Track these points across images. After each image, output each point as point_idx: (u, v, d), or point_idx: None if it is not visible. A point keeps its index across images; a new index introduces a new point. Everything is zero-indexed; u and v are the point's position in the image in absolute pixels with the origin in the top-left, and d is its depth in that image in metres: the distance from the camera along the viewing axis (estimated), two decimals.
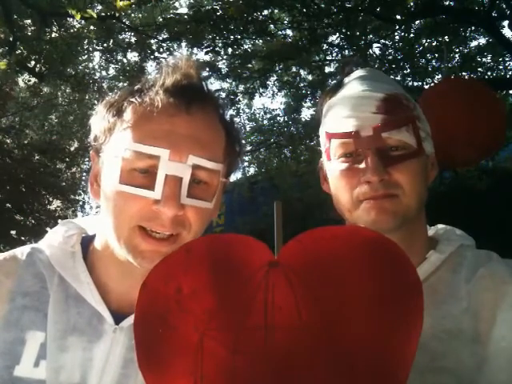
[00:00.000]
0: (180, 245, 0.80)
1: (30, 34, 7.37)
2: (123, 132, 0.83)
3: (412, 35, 8.05)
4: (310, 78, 9.35)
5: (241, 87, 9.51)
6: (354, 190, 0.94)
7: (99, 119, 0.89)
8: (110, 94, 0.91)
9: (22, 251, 0.91)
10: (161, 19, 7.72)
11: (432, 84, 8.10)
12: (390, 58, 8.03)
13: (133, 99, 0.85)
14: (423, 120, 1.00)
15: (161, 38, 7.51)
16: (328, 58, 8.72)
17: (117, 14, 5.91)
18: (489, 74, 8.52)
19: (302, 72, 9.34)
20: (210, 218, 0.90)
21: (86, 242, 0.94)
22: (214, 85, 8.92)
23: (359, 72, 1.06)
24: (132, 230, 0.80)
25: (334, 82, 1.11)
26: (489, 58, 8.58)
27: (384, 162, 0.92)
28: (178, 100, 0.83)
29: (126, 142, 0.81)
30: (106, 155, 0.86)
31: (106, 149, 0.86)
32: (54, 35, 7.93)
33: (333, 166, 0.99)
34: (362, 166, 0.93)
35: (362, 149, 0.93)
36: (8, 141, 9.90)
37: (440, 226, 1.09)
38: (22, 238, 9.66)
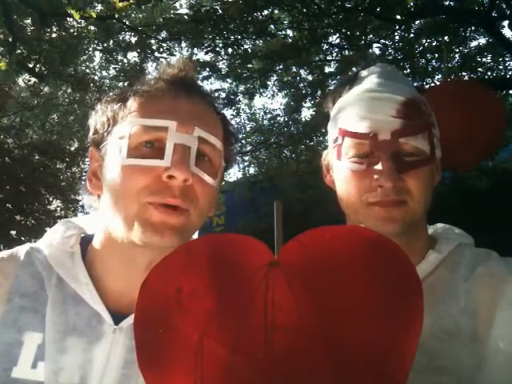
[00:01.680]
0: (187, 219, 0.83)
1: (29, 34, 7.36)
2: (128, 115, 0.86)
3: (412, 35, 8.04)
4: (310, 78, 9.34)
5: (241, 87, 9.51)
6: (363, 191, 0.94)
7: (99, 115, 0.91)
8: (110, 93, 0.94)
9: (20, 251, 0.91)
10: (161, 19, 7.72)
11: (432, 84, 8.11)
12: (390, 58, 8.03)
13: (135, 90, 0.89)
14: (436, 126, 0.99)
15: (161, 38, 7.51)
16: (328, 57, 8.71)
17: (116, 15, 5.90)
18: (489, 74, 8.51)
19: (301, 72, 9.34)
20: (212, 207, 0.92)
21: (86, 242, 0.94)
22: (214, 85, 8.94)
23: (377, 68, 1.04)
24: (143, 205, 0.81)
25: (350, 74, 1.08)
26: (489, 58, 8.57)
27: (398, 167, 0.91)
28: (177, 87, 0.89)
29: (133, 119, 0.84)
30: (109, 141, 0.87)
31: (110, 136, 0.87)
32: (53, 35, 7.93)
33: (343, 165, 0.98)
34: (376, 168, 0.92)
35: (377, 152, 0.92)
36: (8, 141, 9.90)
37: (439, 224, 1.09)
38: (22, 238, 9.65)
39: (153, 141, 0.83)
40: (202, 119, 0.87)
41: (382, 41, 8.15)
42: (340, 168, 1.00)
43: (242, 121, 11.98)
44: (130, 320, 0.82)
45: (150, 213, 0.81)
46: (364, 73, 1.05)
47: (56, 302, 0.84)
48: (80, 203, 11.96)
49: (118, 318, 0.84)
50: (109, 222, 0.86)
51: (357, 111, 0.96)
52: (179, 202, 0.81)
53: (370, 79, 1.01)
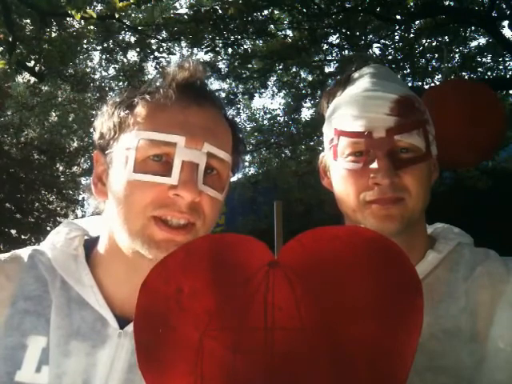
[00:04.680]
0: (195, 236, 0.81)
1: (29, 33, 7.35)
2: (136, 125, 0.83)
3: (412, 35, 8.04)
4: (310, 78, 9.34)
5: (241, 87, 9.51)
6: (361, 190, 0.94)
7: (106, 118, 0.89)
8: (111, 93, 0.93)
9: (23, 253, 0.90)
10: (161, 19, 7.71)
11: (432, 84, 8.11)
12: (390, 57, 8.02)
13: (143, 96, 0.86)
14: (431, 123, 1.00)
15: (161, 38, 7.51)
16: (328, 58, 8.71)
17: (116, 15, 5.89)
18: (489, 74, 8.51)
19: (301, 72, 9.33)
20: (218, 216, 0.90)
21: (89, 244, 0.93)
22: (214, 85, 8.92)
23: (370, 69, 1.04)
24: (147, 220, 0.80)
25: (343, 76, 1.09)
26: (489, 58, 8.57)
27: (394, 164, 0.91)
28: (188, 94, 0.85)
29: (140, 132, 0.82)
30: (116, 150, 0.85)
31: (117, 143, 0.85)
32: (53, 35, 7.92)
33: (340, 165, 0.98)
34: (372, 166, 0.92)
35: (373, 150, 0.93)
36: (7, 140, 9.90)
37: (438, 224, 1.09)
38: (22, 237, 9.66)
39: (161, 155, 0.81)
40: (211, 132, 0.84)
41: (382, 41, 8.15)
42: (336, 168, 1.00)
43: (242, 121, 11.98)
44: None
45: (153, 230, 0.79)
46: (357, 74, 1.05)
47: (60, 306, 0.83)
48: (80, 203, 11.97)
49: (122, 321, 0.83)
50: (114, 232, 0.85)
51: (351, 111, 0.97)
52: (187, 218, 0.80)
53: (363, 80, 1.02)
